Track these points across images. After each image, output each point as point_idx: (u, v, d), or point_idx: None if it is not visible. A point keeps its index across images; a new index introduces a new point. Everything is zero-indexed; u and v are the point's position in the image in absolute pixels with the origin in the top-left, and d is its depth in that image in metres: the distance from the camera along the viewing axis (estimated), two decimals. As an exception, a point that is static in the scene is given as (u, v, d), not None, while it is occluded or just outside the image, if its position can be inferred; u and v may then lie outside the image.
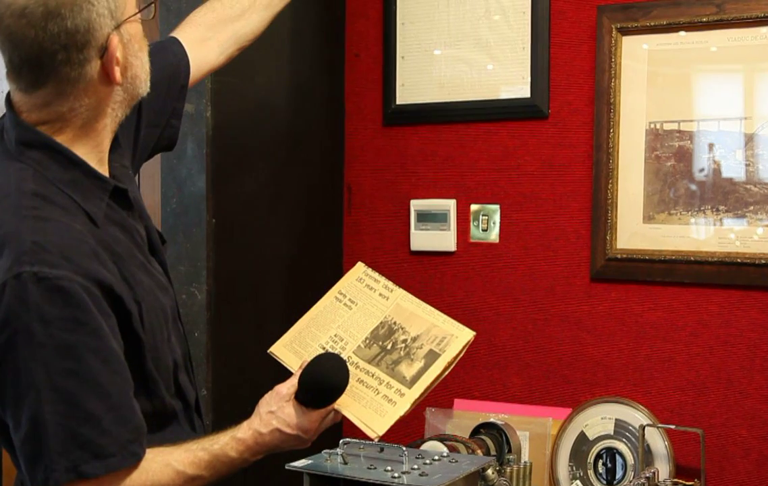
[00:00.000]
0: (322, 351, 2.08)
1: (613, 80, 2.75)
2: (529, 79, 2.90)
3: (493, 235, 2.97)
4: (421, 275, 3.07)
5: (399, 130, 3.11)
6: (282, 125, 2.94)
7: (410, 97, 3.08)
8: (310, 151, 3.06)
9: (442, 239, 3.03)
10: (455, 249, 3.02)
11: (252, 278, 2.81)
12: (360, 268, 2.29)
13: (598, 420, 2.74)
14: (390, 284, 2.23)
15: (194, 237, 2.62)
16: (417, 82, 3.06)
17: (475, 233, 3.00)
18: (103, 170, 1.81)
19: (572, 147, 2.85)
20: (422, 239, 3.07)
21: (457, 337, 2.07)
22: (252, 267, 2.81)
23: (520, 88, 2.92)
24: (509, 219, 2.95)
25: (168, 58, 2.13)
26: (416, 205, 3.07)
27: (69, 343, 1.60)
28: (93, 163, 1.77)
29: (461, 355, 2.06)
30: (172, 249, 2.58)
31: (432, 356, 2.04)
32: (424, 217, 3.05)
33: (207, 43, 2.27)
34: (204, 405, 2.53)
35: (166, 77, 2.08)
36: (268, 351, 2.16)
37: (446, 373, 2.03)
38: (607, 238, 2.77)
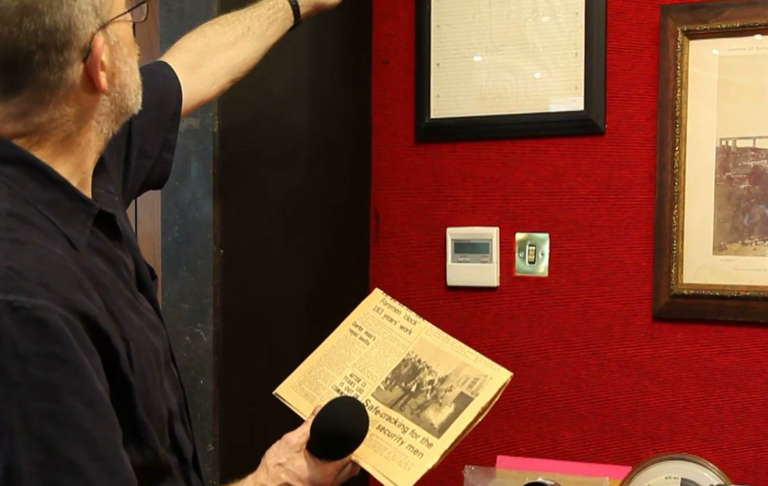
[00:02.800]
0: (336, 393, 2.08)
1: (678, 91, 2.76)
2: (582, 90, 2.91)
3: (542, 268, 2.98)
4: (459, 314, 3.08)
5: (434, 147, 3.13)
6: (300, 143, 2.95)
7: (446, 110, 3.10)
8: (333, 172, 3.08)
9: (483, 273, 3.04)
10: (498, 284, 3.04)
11: (265, 317, 2.82)
12: (377, 296, 2.29)
13: (662, 480, 2.73)
14: (412, 315, 2.22)
15: (199, 270, 2.61)
16: (454, 93, 3.08)
17: (521, 266, 3.01)
18: (86, 193, 1.80)
19: (632, 167, 2.86)
20: (460, 273, 3.08)
21: (491, 378, 2.06)
22: (265, 304, 2.81)
23: (573, 100, 2.93)
24: (560, 249, 2.96)
25: (158, 81, 2.13)
26: (453, 233, 3.08)
27: (48, 383, 1.59)
28: (74, 184, 1.76)
29: (497, 399, 2.05)
30: (174, 283, 2.59)
31: (463, 400, 2.03)
32: (463, 248, 3.07)
33: (198, 70, 2.29)
34: (210, 462, 2.55)
35: (156, 103, 2.07)
36: (274, 392, 2.16)
37: (479, 420, 2.02)
38: (672, 271, 2.78)
